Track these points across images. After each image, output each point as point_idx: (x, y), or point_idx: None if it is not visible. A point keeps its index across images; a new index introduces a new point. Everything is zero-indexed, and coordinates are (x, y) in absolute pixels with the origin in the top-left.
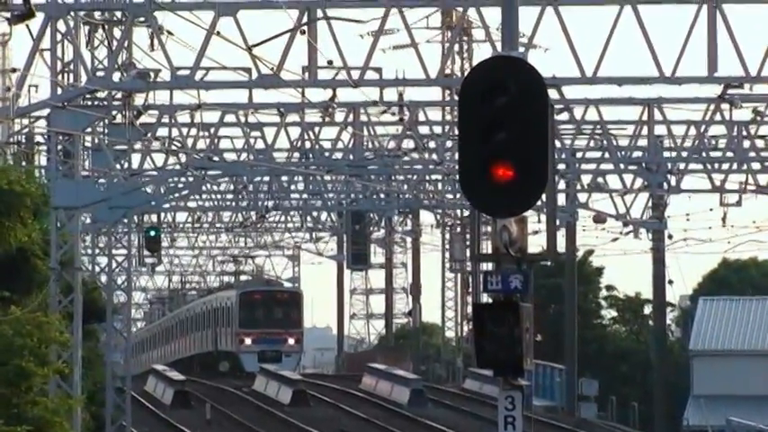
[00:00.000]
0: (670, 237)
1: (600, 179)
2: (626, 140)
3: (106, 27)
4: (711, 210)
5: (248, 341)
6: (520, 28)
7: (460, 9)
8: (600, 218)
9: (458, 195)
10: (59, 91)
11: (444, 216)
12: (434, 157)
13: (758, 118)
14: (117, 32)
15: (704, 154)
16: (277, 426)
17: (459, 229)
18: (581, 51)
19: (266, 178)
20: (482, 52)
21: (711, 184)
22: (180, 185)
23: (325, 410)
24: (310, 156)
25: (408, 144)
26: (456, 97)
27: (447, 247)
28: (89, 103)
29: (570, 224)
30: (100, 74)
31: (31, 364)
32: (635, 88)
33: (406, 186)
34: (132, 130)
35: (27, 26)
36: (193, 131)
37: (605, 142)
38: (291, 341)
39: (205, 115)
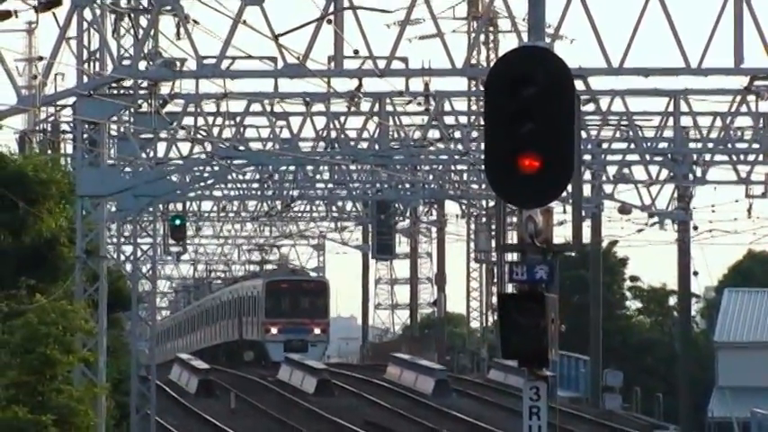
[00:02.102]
0: (695, 228)
1: (625, 170)
2: (652, 131)
3: (132, 15)
4: (737, 201)
5: (274, 330)
6: (546, 18)
7: None
8: (625, 209)
9: (483, 186)
10: (85, 79)
11: (469, 206)
12: (460, 147)
13: None
14: (143, 21)
15: (730, 145)
16: (301, 415)
17: (484, 220)
18: (607, 42)
19: (291, 168)
20: (508, 43)
21: (737, 175)
22: (205, 174)
23: (350, 400)
24: (336, 145)
25: (434, 134)
26: (482, 87)
27: (472, 237)
28: (115, 91)
29: (595, 215)
30: (126, 62)
31: (55, 352)
32: (661, 79)
33: (431, 176)
34: (158, 118)
35: (53, 14)
36: (219, 120)
37: (631, 133)
38: (318, 331)
39: (231, 104)
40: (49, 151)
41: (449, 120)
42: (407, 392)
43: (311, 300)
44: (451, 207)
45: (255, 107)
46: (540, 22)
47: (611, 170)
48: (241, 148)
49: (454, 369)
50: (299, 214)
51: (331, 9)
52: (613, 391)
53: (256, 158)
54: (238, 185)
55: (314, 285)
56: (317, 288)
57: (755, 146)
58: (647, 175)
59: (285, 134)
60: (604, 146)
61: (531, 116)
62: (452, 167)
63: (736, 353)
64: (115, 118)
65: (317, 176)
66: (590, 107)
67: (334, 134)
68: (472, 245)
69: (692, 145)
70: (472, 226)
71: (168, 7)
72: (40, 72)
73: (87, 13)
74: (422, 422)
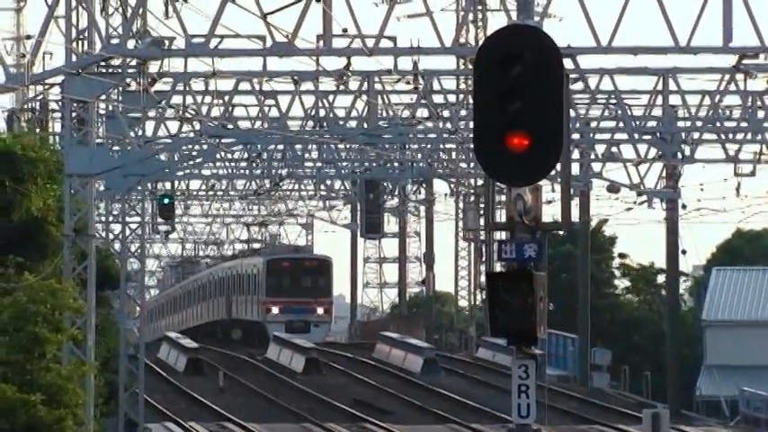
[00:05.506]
0: (684, 207)
1: (614, 149)
2: (640, 110)
3: None
4: (725, 180)
5: (275, 310)
6: None
7: None
8: (614, 187)
9: (471, 164)
10: (74, 58)
11: (458, 185)
12: (448, 125)
13: None
14: None
15: (718, 124)
16: (290, 394)
17: (472, 198)
18: (596, 21)
19: (280, 146)
20: (497, 21)
21: (725, 154)
22: (194, 153)
23: (338, 378)
24: (324, 124)
25: (422, 113)
26: (470, 66)
27: (460, 215)
28: (103, 70)
29: (584, 193)
30: (114, 41)
31: (44, 331)
32: (650, 58)
33: (419, 155)
34: (147, 97)
35: None
36: (208, 99)
37: (620, 112)
38: (320, 311)
39: (219, 83)
40: (38, 130)
41: (437, 98)
42: (396, 371)
43: (314, 278)
44: (440, 186)
45: (244, 86)
46: (529, 0)
47: (600, 149)
48: (229, 126)
49: (442, 347)
50: (288, 193)
51: None
52: (601, 370)
53: (245, 137)
54: (227, 164)
55: (317, 263)
56: (321, 266)
57: (744, 124)
58: (636, 153)
59: (274, 113)
60: (593, 124)
61: (520, 95)
62: (441, 146)
63: (724, 331)
64: (104, 97)
65: (306, 155)
66: (579, 86)
67: (322, 113)
68: (461, 223)
69: (680, 123)
70: (461, 204)
71: None
72: (29, 51)
73: None
74: (410, 400)
